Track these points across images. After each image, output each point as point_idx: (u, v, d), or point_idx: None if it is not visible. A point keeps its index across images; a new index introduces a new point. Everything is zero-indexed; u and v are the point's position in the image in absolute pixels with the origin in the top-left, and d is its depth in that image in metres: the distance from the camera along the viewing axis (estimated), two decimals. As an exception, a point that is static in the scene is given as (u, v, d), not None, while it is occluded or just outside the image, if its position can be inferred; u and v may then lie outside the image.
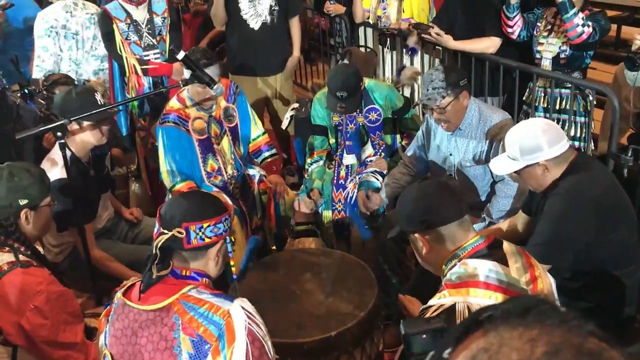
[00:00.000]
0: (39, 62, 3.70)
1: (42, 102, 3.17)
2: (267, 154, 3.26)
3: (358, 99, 3.01)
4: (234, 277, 1.69)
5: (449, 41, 3.34)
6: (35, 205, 2.02)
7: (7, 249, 1.93)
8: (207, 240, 1.46)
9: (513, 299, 0.62)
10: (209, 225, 1.46)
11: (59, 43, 3.69)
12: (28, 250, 1.98)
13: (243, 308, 1.38)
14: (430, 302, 1.62)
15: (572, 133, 3.05)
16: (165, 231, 1.44)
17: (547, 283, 1.66)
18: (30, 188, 2.00)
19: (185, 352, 1.34)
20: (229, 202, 1.65)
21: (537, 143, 2.01)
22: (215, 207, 1.51)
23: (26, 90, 3.22)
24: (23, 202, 1.98)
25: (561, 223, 2.03)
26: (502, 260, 1.63)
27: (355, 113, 3.12)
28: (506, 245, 1.70)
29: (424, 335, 1.32)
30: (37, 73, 3.68)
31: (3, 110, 3.38)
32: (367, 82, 3.13)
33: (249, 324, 1.36)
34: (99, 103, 2.52)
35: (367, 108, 3.11)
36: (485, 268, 1.59)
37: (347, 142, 3.20)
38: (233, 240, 1.58)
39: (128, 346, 1.43)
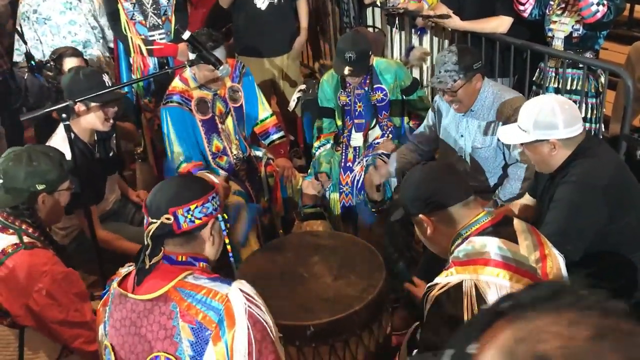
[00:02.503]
0: (18, 46, 3.66)
1: (50, 74, 3.16)
2: (275, 136, 3.23)
3: (366, 65, 2.96)
4: (230, 255, 1.65)
5: (453, 22, 3.28)
6: (52, 190, 2.01)
7: (11, 230, 1.92)
8: (197, 221, 1.43)
9: (537, 285, 0.59)
10: (196, 207, 1.43)
11: (33, 28, 3.61)
12: (36, 232, 1.97)
13: (241, 290, 1.36)
14: (437, 280, 1.60)
15: (582, 114, 2.99)
16: (154, 220, 1.41)
17: (556, 262, 1.65)
18: (49, 173, 1.99)
19: (185, 340, 1.32)
20: (215, 180, 1.62)
21: (553, 120, 1.97)
22: (200, 186, 1.48)
23: (33, 63, 3.20)
24: (40, 187, 1.97)
25: (573, 212, 2.00)
26: (511, 238, 1.61)
27: (363, 91, 3.09)
28: (517, 223, 1.68)
29: None
30: (16, 57, 3.65)
31: (12, 89, 3.37)
32: (376, 60, 3.09)
33: (248, 306, 1.33)
34: (107, 84, 2.50)
35: (374, 87, 3.07)
36: (493, 245, 1.57)
37: (356, 120, 3.17)
38: (226, 217, 1.54)
39: (128, 337, 1.41)
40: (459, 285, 1.53)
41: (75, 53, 3.24)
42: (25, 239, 1.91)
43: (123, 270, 1.51)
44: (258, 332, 1.33)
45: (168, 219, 1.40)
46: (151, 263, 1.40)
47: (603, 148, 2.13)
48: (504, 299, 0.59)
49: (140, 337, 1.38)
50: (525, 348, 0.53)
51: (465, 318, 1.49)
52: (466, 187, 1.69)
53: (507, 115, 2.48)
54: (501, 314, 0.57)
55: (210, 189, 1.48)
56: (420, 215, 1.69)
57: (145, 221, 1.45)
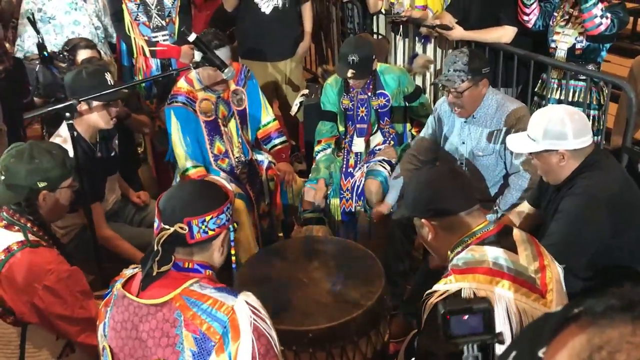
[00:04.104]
0: (20, 42, 3.64)
1: (63, 65, 3.14)
2: (276, 141, 3.23)
3: (369, 68, 2.97)
4: (234, 266, 1.63)
5: (454, 33, 3.28)
6: (54, 188, 2.00)
7: (17, 228, 1.91)
8: (210, 233, 1.41)
9: (610, 292, 0.57)
10: (211, 218, 1.40)
11: (37, 26, 3.60)
12: (40, 230, 1.97)
13: (247, 303, 1.34)
14: (435, 287, 1.59)
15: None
16: (167, 227, 1.38)
17: (555, 272, 1.64)
18: (51, 171, 1.97)
19: (188, 350, 1.30)
20: (228, 187, 1.60)
21: (564, 130, 1.97)
22: (216, 197, 1.45)
23: (45, 54, 3.18)
24: (42, 184, 1.96)
25: (578, 224, 2.00)
26: (512, 248, 1.60)
27: (366, 97, 3.09)
28: (516, 233, 1.67)
29: (466, 316, 1.12)
30: (18, 53, 3.63)
31: (19, 82, 3.35)
32: (379, 65, 3.09)
33: (254, 319, 1.31)
34: (109, 83, 2.50)
35: (376, 92, 3.08)
36: (493, 254, 1.57)
37: (358, 125, 3.17)
38: (235, 226, 1.52)
39: (128, 340, 1.39)
40: (457, 293, 1.52)
41: (89, 45, 3.24)
42: (31, 237, 1.90)
43: (127, 272, 1.49)
44: (262, 346, 1.31)
45: (182, 228, 1.38)
46: (160, 270, 1.37)
47: (610, 161, 2.12)
48: (574, 305, 0.58)
49: (140, 341, 1.36)
50: (602, 356, 0.52)
51: None
52: (471, 196, 1.68)
53: (510, 124, 2.49)
54: (572, 320, 0.56)
55: (225, 200, 1.46)
56: (422, 220, 1.69)
57: (156, 225, 1.42)
